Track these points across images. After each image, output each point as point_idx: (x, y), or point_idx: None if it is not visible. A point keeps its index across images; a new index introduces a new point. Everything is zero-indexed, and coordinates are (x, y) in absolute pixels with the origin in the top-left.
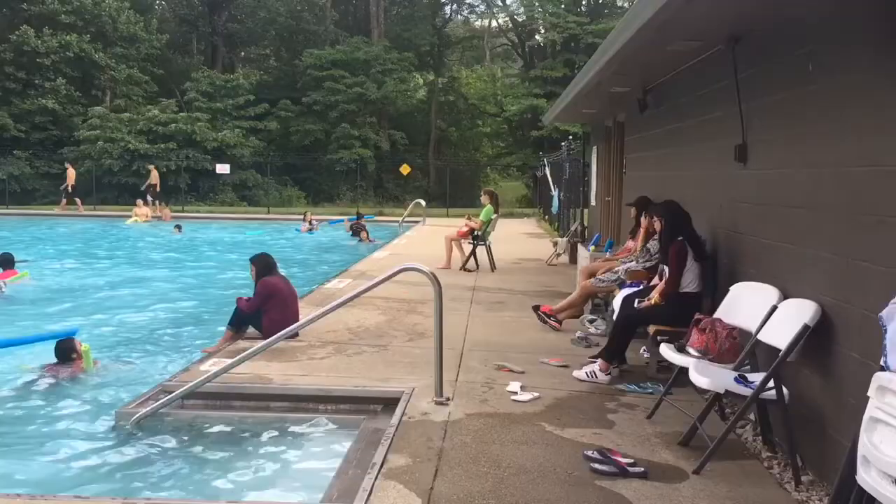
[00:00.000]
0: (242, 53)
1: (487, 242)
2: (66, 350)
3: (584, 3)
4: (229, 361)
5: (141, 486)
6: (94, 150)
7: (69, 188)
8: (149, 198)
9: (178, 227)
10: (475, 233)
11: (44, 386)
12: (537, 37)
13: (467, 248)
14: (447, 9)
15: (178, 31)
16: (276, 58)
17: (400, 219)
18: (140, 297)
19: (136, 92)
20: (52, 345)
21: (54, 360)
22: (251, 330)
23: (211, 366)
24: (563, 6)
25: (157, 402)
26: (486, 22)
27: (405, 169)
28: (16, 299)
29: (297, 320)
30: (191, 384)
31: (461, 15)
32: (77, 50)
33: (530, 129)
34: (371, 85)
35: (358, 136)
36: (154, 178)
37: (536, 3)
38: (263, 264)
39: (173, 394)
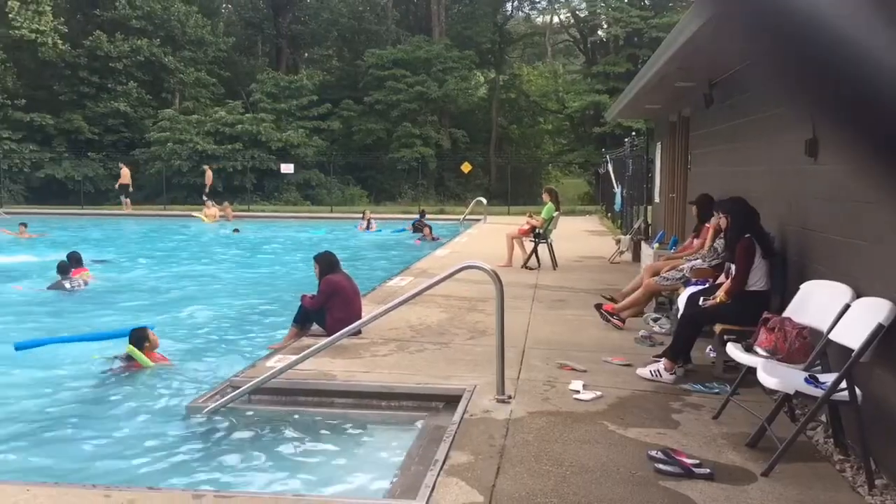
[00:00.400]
0: (306, 54)
1: (549, 240)
2: (140, 338)
3: None
4: (294, 358)
5: (209, 478)
6: (163, 152)
7: (129, 188)
8: (204, 197)
9: (236, 230)
10: (536, 230)
11: (119, 379)
12: (600, 32)
13: (529, 245)
14: (508, 6)
15: (243, 34)
16: (338, 58)
17: (461, 217)
18: (208, 295)
19: (204, 94)
20: (124, 340)
21: (124, 354)
22: (315, 327)
23: (276, 362)
24: (625, 0)
25: (226, 397)
26: (547, 18)
27: (466, 167)
28: (90, 297)
29: (360, 318)
30: (257, 380)
31: (522, 11)
32: (147, 54)
33: (592, 125)
34: (432, 84)
35: (419, 134)
36: (209, 178)
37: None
38: (327, 262)
39: (240, 389)
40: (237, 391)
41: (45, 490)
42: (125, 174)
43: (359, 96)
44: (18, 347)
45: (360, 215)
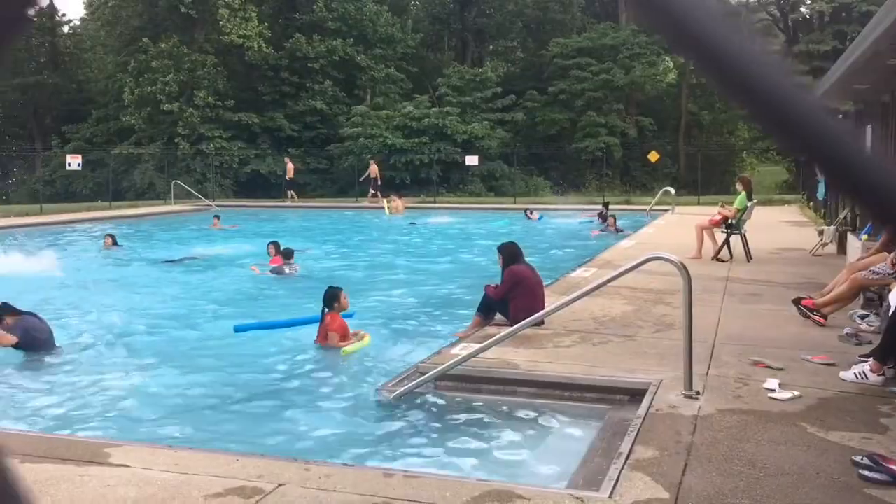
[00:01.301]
0: (490, 47)
1: (742, 231)
2: (332, 297)
3: None
4: (478, 346)
5: (397, 458)
6: (356, 147)
7: (293, 181)
8: (370, 190)
9: (412, 222)
10: (729, 221)
11: (316, 360)
12: (802, 9)
13: (720, 237)
14: None
15: (430, 30)
16: (522, 49)
17: (647, 207)
18: (395, 284)
19: (393, 90)
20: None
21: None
22: (499, 317)
23: (461, 350)
24: None
25: (413, 382)
26: None
27: (653, 156)
28: (288, 284)
29: (543, 308)
30: (443, 366)
31: None
32: (342, 53)
33: None
34: (618, 71)
35: (604, 123)
36: (373, 171)
37: None
38: (510, 253)
39: (427, 375)
40: (423, 377)
41: (252, 461)
42: (290, 168)
43: (543, 87)
44: (237, 330)
45: (527, 208)
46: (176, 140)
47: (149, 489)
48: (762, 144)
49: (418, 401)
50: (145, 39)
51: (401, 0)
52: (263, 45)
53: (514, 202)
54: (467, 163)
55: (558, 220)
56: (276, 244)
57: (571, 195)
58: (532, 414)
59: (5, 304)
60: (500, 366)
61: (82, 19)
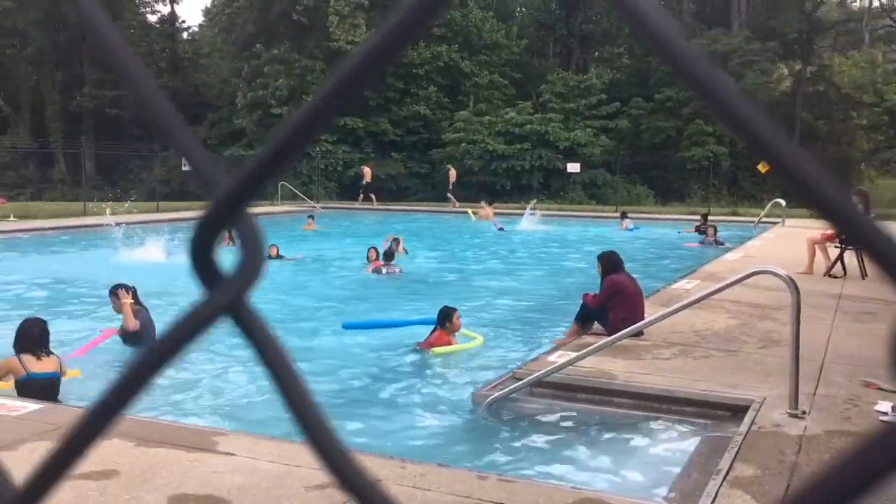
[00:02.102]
0: (596, 53)
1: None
2: (445, 315)
3: None
4: (575, 355)
5: (491, 462)
6: (457, 152)
7: (371, 186)
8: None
9: (501, 228)
10: (843, 235)
11: (416, 363)
12: None
13: (833, 252)
14: None
15: (535, 36)
16: (629, 55)
17: (756, 219)
18: (493, 291)
19: (496, 96)
20: (417, 328)
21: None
22: (597, 326)
23: (558, 357)
24: None
25: (508, 388)
26: (865, 2)
27: (763, 167)
28: (382, 287)
29: (642, 319)
30: (538, 373)
31: None
32: (447, 59)
33: None
34: (729, 78)
35: (712, 132)
36: (367, 174)
37: None
38: (610, 262)
39: (522, 381)
40: (519, 383)
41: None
42: (367, 173)
43: (649, 94)
44: (346, 327)
45: (619, 216)
46: None
47: (254, 478)
48: (883, 156)
49: (514, 406)
50: (259, 45)
51: (507, 6)
52: None
53: (616, 210)
54: (569, 170)
55: (658, 230)
56: (375, 249)
57: (674, 205)
58: (628, 425)
59: (134, 290)
60: (597, 375)
61: (200, 26)
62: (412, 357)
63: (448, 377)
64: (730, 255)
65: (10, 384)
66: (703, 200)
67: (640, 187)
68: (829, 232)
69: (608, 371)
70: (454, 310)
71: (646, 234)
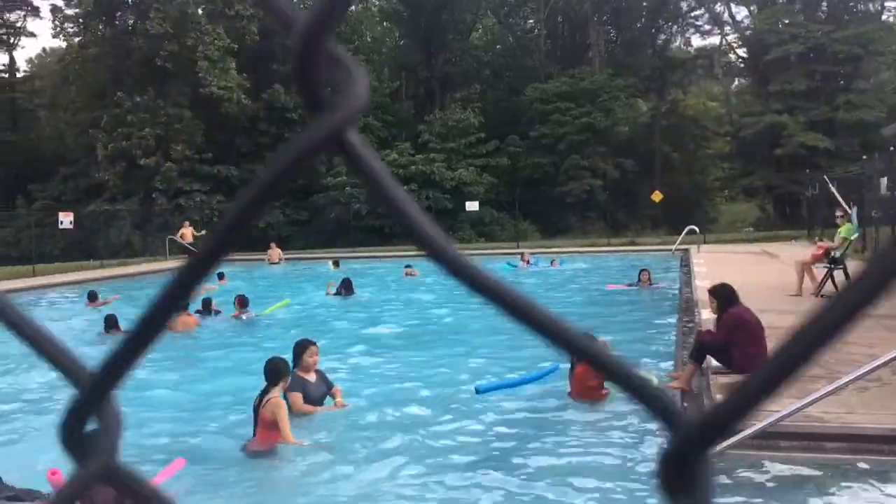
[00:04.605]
0: (458, 94)
1: (845, 265)
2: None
3: (821, 10)
4: (803, 401)
5: None
6: (342, 196)
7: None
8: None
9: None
10: (832, 254)
11: (573, 418)
12: (773, 51)
13: (819, 272)
14: (671, 29)
15: (394, 78)
16: (491, 93)
17: (672, 247)
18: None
19: (371, 139)
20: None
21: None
22: (715, 364)
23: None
24: (802, 17)
25: (729, 440)
26: (713, 40)
27: (657, 196)
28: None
29: (766, 353)
30: (760, 425)
31: (684, 36)
32: None
33: (771, 147)
34: (597, 114)
35: (587, 166)
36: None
37: (767, 17)
38: (725, 295)
39: (742, 434)
40: (741, 434)
41: None
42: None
43: (524, 131)
44: (480, 391)
45: (520, 255)
46: (153, 195)
47: None
48: (742, 182)
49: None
50: (120, 93)
51: (370, 49)
52: (243, 96)
53: (518, 247)
54: (468, 209)
55: (574, 265)
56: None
57: (559, 239)
58: (847, 471)
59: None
60: (797, 418)
61: (37, 76)
62: (568, 412)
63: (612, 430)
64: (701, 282)
65: None
66: (584, 233)
67: (524, 223)
68: (819, 252)
69: (807, 413)
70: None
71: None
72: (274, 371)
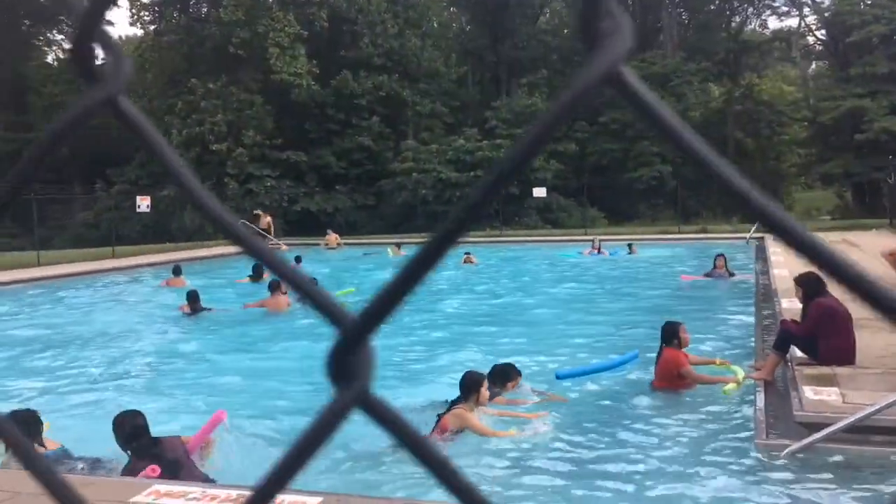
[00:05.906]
0: (524, 80)
1: None
2: (670, 333)
3: None
4: (892, 397)
5: None
6: (409, 182)
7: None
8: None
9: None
10: None
11: (657, 407)
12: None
13: None
14: (746, 11)
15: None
16: (560, 79)
17: (747, 235)
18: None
19: (437, 125)
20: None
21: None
22: (799, 355)
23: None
24: None
25: (810, 438)
26: (791, 22)
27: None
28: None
29: (855, 346)
30: (852, 418)
31: (761, 18)
32: (388, 89)
33: (852, 132)
34: (669, 98)
35: (657, 152)
36: (264, 223)
37: None
38: (812, 284)
39: (830, 429)
40: (825, 431)
41: None
42: (266, 222)
43: (592, 117)
44: (560, 376)
45: (591, 241)
46: (225, 180)
47: None
48: (821, 169)
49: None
50: (193, 80)
51: (438, 34)
52: (312, 82)
53: (585, 233)
54: (535, 195)
55: (650, 251)
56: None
57: (626, 225)
58: None
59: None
60: (890, 412)
61: None
62: (652, 402)
63: (694, 422)
64: (778, 271)
65: None
66: (652, 221)
67: (592, 210)
68: None
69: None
70: (679, 324)
71: (640, 257)
72: (469, 384)
